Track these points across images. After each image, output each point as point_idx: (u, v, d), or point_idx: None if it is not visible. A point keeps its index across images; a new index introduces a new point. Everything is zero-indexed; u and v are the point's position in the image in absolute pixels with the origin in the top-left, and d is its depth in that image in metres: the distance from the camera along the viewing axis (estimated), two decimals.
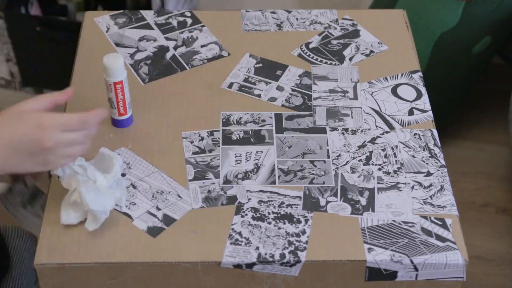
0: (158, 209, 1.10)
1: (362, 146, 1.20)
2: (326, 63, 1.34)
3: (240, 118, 1.23)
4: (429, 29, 2.01)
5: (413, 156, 1.18)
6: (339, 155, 1.18)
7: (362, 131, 1.22)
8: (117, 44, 1.36)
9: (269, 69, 1.32)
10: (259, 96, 1.27)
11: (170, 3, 2.03)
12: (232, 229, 1.08)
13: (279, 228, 1.08)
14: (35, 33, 2.17)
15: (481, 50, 2.03)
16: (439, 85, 2.06)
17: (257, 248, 1.05)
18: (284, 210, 1.10)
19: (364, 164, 1.17)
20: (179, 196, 1.12)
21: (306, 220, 1.09)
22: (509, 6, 1.98)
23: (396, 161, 1.18)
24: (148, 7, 2.12)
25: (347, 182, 1.14)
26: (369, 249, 1.05)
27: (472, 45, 2.02)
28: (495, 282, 1.97)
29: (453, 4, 1.98)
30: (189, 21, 1.42)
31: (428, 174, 1.16)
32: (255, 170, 1.16)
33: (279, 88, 1.29)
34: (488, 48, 2.05)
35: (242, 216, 1.09)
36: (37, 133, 0.99)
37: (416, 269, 1.06)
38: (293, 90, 1.29)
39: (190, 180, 1.14)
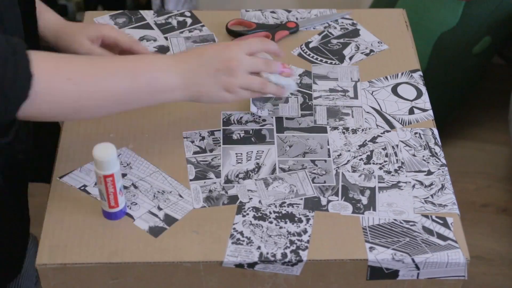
0: (160, 209, 1.10)
1: (363, 145, 1.20)
2: (326, 62, 1.34)
3: (241, 117, 1.23)
4: (429, 29, 2.01)
5: (414, 155, 1.18)
6: (340, 154, 1.18)
7: (362, 130, 1.22)
8: None
9: None
10: None
11: (170, 3, 2.03)
12: (234, 228, 1.08)
13: (281, 227, 1.08)
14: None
15: (481, 50, 2.04)
16: (439, 85, 2.06)
17: (259, 247, 1.05)
18: (285, 210, 1.10)
19: (365, 163, 1.17)
20: (180, 196, 1.12)
21: (308, 220, 1.09)
22: (509, 6, 1.98)
23: (397, 160, 1.18)
24: (148, 7, 2.12)
25: (348, 181, 1.14)
26: (371, 248, 1.06)
27: (472, 45, 2.02)
28: (495, 282, 1.97)
29: (453, 4, 1.98)
30: (189, 21, 1.42)
31: (429, 173, 1.16)
32: (256, 169, 1.16)
33: None
34: (488, 48, 2.05)
35: (244, 216, 1.09)
36: (225, 51, 1.08)
37: (417, 268, 1.06)
38: None
39: (191, 180, 1.14)
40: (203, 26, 1.41)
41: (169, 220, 1.09)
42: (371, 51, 1.36)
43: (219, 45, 1.10)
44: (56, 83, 0.97)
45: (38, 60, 0.96)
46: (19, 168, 1.20)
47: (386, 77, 1.31)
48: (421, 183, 1.14)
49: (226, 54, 1.08)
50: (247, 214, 1.10)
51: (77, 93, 0.99)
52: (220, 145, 1.19)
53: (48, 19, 1.26)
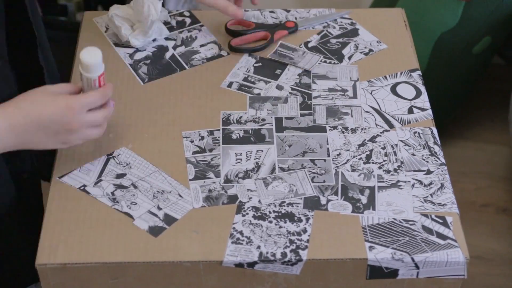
0: (159, 208, 1.10)
1: (362, 144, 1.20)
2: (325, 62, 1.34)
3: (240, 117, 1.23)
4: (429, 29, 2.01)
5: (413, 155, 1.19)
6: (339, 154, 1.18)
7: (362, 129, 1.22)
8: (116, 44, 1.36)
9: (269, 68, 1.32)
10: (258, 95, 1.27)
11: (170, 3, 2.03)
12: (233, 228, 1.08)
13: (280, 227, 1.08)
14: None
15: (481, 50, 2.04)
16: (439, 85, 2.06)
17: (259, 247, 1.05)
18: (285, 209, 1.10)
19: (364, 163, 1.17)
20: (180, 196, 1.12)
21: (307, 219, 1.09)
22: (509, 6, 1.98)
23: (396, 159, 1.18)
24: None
25: (347, 181, 1.14)
26: (370, 248, 1.06)
27: (472, 45, 2.02)
28: (495, 282, 1.97)
29: (453, 4, 1.98)
30: (188, 20, 1.42)
31: (428, 172, 1.16)
32: (256, 169, 1.16)
33: (279, 87, 1.29)
34: (488, 48, 2.05)
35: (243, 215, 1.09)
36: (65, 114, 1.05)
37: (417, 267, 1.06)
38: (292, 89, 1.29)
39: (190, 180, 1.14)
40: (202, 26, 1.41)
41: (169, 219, 1.09)
42: (370, 50, 1.36)
43: (60, 106, 1.05)
44: None
45: None
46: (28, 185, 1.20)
47: (385, 77, 1.32)
48: (421, 182, 1.15)
49: (67, 118, 1.05)
50: (247, 213, 1.10)
51: None
52: (219, 145, 1.19)
53: None
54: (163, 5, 1.32)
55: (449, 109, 2.19)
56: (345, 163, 1.17)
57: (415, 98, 1.28)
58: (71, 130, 1.06)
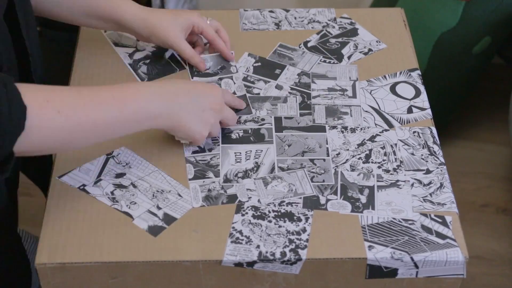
0: (159, 208, 1.10)
1: (362, 144, 1.20)
2: (324, 61, 1.34)
3: (240, 117, 1.23)
4: (429, 29, 2.01)
5: (413, 154, 1.19)
6: (339, 153, 1.18)
7: (361, 129, 1.22)
8: (116, 44, 1.36)
9: (268, 68, 1.32)
10: (258, 95, 1.27)
11: (170, 3, 2.03)
12: (233, 227, 1.08)
13: (280, 226, 1.08)
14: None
15: (481, 50, 2.04)
16: (439, 85, 2.06)
17: (258, 246, 1.06)
18: (284, 209, 1.10)
19: (363, 162, 1.17)
20: (180, 195, 1.12)
21: (307, 218, 1.09)
22: (509, 6, 1.98)
23: (395, 159, 1.18)
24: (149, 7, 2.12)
25: (347, 180, 1.14)
26: (370, 247, 1.06)
27: (472, 45, 2.02)
28: (495, 282, 1.97)
29: (453, 4, 1.98)
30: None
31: (428, 171, 1.16)
32: (255, 168, 1.16)
33: (278, 87, 1.29)
34: (488, 48, 2.05)
35: (243, 215, 1.09)
36: (214, 93, 1.14)
37: (416, 266, 1.06)
38: (292, 88, 1.29)
39: (190, 179, 1.14)
40: None
41: (168, 219, 1.09)
42: (370, 50, 1.37)
43: (208, 86, 1.15)
44: (46, 116, 0.96)
45: (27, 93, 0.94)
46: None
47: (385, 76, 1.32)
48: (420, 181, 1.15)
49: (214, 97, 1.14)
50: (246, 213, 1.10)
51: (67, 125, 0.98)
52: (219, 145, 1.19)
53: (130, 11, 1.26)
54: (163, 5, 1.32)
55: (449, 109, 2.19)
56: (345, 162, 1.17)
57: (414, 97, 1.28)
58: (215, 109, 1.13)
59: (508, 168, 2.24)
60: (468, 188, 2.18)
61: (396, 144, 1.20)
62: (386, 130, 1.22)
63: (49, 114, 0.96)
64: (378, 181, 1.15)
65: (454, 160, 2.22)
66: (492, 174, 2.22)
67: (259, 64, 1.33)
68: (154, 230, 1.07)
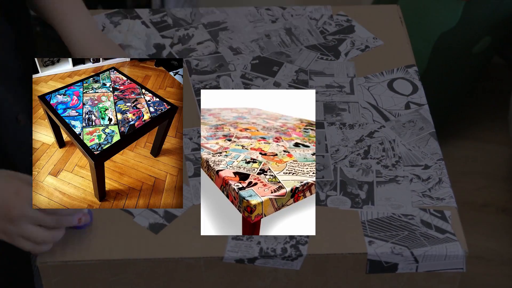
0: None
1: (360, 140, 1.20)
2: (322, 58, 1.35)
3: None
4: (429, 29, 2.02)
5: (411, 150, 1.19)
6: (338, 150, 1.19)
7: (359, 125, 1.23)
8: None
9: (266, 65, 1.33)
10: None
11: (170, 3, 2.03)
12: None
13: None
14: (35, 33, 2.16)
15: (481, 50, 2.04)
16: (439, 85, 2.07)
17: (259, 242, 1.06)
18: None
19: (362, 158, 1.18)
20: None
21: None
22: (509, 6, 1.99)
23: (394, 154, 1.18)
24: (149, 7, 2.12)
25: (346, 176, 1.15)
26: (370, 242, 1.06)
27: (472, 45, 2.03)
28: (495, 282, 1.97)
29: (453, 4, 1.99)
30: (185, 19, 1.42)
31: (426, 167, 1.17)
32: None
33: (276, 84, 1.29)
34: (488, 48, 2.06)
35: None
36: (10, 199, 0.96)
37: (416, 261, 1.06)
38: (290, 85, 1.29)
39: (190, 177, 1.14)
40: (199, 24, 1.41)
41: (169, 216, 1.09)
42: (367, 47, 1.37)
43: (9, 191, 0.97)
44: None
45: None
46: None
47: (382, 73, 1.32)
48: (419, 177, 1.15)
49: (10, 202, 0.96)
50: None
51: None
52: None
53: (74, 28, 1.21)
54: (163, 4, 1.32)
55: (449, 109, 2.20)
56: (344, 158, 1.18)
57: (411, 93, 1.29)
58: (11, 218, 0.96)
59: (508, 168, 2.24)
60: (468, 188, 2.18)
61: (394, 140, 1.21)
62: (384, 126, 1.23)
63: None
64: (377, 176, 1.15)
65: (454, 160, 2.22)
66: (492, 174, 2.22)
67: (257, 61, 1.33)
68: (155, 228, 1.08)
